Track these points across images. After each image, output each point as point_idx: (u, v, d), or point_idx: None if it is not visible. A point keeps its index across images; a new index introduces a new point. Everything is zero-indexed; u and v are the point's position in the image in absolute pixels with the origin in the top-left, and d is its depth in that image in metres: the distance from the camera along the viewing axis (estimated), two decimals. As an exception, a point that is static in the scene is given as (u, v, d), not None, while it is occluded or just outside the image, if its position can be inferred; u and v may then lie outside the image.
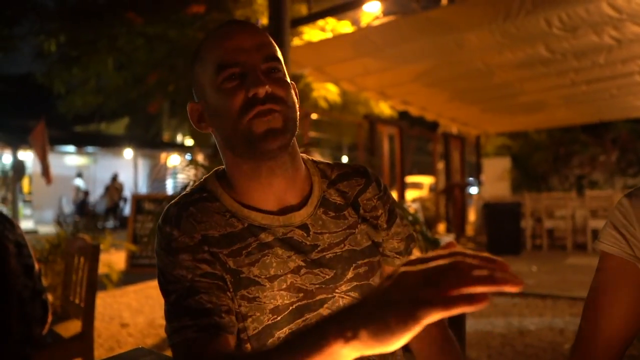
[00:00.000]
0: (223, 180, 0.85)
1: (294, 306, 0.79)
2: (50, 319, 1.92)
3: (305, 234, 0.81)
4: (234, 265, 0.78)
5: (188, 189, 0.87)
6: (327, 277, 0.81)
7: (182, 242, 0.77)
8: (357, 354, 0.51)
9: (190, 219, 0.79)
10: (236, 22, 0.82)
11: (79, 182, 14.21)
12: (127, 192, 14.36)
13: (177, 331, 0.72)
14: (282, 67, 0.80)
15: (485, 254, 0.46)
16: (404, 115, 8.83)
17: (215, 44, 0.79)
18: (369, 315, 0.49)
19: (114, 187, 14.28)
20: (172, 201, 0.83)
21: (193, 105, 0.84)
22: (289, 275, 0.79)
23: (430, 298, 0.44)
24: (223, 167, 0.87)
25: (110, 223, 13.33)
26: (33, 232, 10.84)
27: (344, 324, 0.50)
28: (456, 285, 0.44)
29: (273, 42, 0.81)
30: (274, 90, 0.76)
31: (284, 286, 0.79)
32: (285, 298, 0.79)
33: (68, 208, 13.74)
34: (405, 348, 0.90)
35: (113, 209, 14.06)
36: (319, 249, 0.82)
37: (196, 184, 0.87)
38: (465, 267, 0.45)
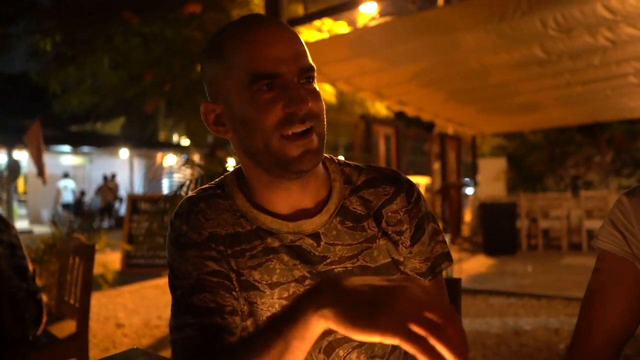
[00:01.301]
0: (242, 179, 0.81)
1: None
2: (45, 319, 1.91)
3: (315, 244, 0.77)
4: (235, 267, 0.76)
5: (208, 183, 0.84)
6: None
7: (190, 237, 0.76)
8: (327, 326, 0.53)
9: (200, 215, 0.78)
10: (267, 21, 0.75)
11: (67, 182, 13.84)
12: (123, 192, 14.30)
13: (179, 328, 0.71)
14: (315, 75, 0.75)
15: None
16: (400, 115, 8.84)
17: (246, 47, 0.71)
18: (342, 298, 0.51)
19: (107, 187, 14.18)
20: (189, 194, 0.82)
21: (208, 106, 0.77)
22: (292, 284, 0.76)
23: (402, 328, 0.46)
24: None
25: (106, 223, 13.27)
26: (28, 232, 10.77)
27: (318, 298, 0.53)
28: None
29: (305, 45, 0.75)
30: (312, 106, 0.71)
31: (285, 295, 0.76)
32: None
33: (59, 209, 13.61)
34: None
35: (107, 209, 13.99)
36: (328, 261, 0.77)
37: (217, 179, 0.84)
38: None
